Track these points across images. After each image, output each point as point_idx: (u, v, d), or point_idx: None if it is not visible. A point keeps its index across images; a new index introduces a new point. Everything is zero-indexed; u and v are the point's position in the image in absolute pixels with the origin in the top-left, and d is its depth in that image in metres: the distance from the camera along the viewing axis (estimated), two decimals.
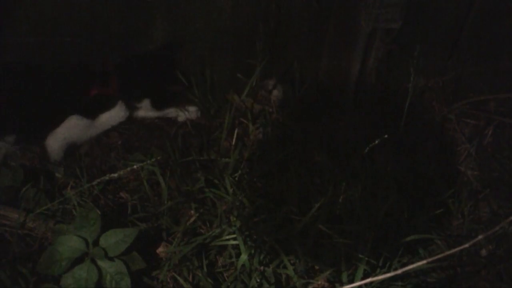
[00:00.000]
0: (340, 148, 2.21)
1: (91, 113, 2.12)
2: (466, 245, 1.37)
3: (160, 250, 1.88)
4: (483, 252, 2.01)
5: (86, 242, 1.69)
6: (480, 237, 1.34)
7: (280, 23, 2.28)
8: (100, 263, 1.67)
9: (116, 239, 1.70)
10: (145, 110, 2.26)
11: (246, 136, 2.23)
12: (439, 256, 1.54)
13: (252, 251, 1.81)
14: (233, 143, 2.12)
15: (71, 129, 2.09)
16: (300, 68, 2.40)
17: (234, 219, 1.86)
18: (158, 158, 1.95)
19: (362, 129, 2.30)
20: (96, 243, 1.69)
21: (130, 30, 2.19)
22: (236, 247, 1.85)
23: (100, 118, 2.14)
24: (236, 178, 2.01)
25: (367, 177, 1.99)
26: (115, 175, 1.73)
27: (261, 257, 1.83)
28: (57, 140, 2.09)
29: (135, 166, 1.79)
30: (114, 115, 2.17)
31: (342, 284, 1.79)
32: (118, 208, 2.00)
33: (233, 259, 1.85)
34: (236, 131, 2.16)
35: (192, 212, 1.97)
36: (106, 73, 2.12)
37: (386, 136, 1.75)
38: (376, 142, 1.76)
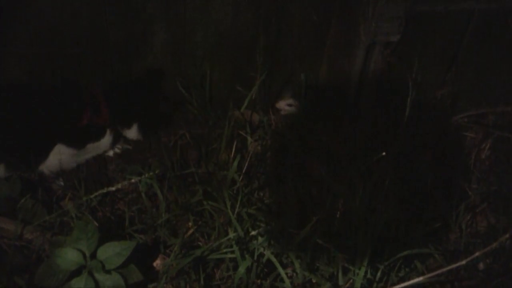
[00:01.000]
0: (339, 160, 2.21)
1: (80, 142, 2.10)
2: (463, 262, 1.37)
3: (157, 262, 1.88)
4: (481, 266, 2.01)
5: (84, 254, 1.69)
6: (476, 254, 1.34)
7: (280, 36, 2.29)
8: (97, 276, 1.67)
9: (113, 252, 1.70)
10: (132, 134, 2.24)
11: (245, 148, 2.23)
12: (436, 272, 1.55)
13: (250, 264, 1.81)
14: (232, 155, 2.12)
15: (61, 156, 2.06)
16: (299, 80, 2.41)
17: (232, 232, 1.87)
18: (156, 172, 1.96)
19: (361, 141, 2.30)
20: (93, 255, 1.69)
21: (129, 40, 2.20)
22: (233, 260, 1.85)
23: (87, 147, 2.12)
24: (234, 191, 2.01)
25: (365, 190, 1.99)
26: (113, 188, 1.73)
27: (259, 270, 1.83)
28: (50, 169, 2.08)
29: (132, 180, 1.80)
30: (101, 145, 2.16)
31: None
32: (116, 220, 2.00)
33: (231, 272, 1.85)
34: (234, 144, 2.16)
35: (190, 224, 1.97)
36: (97, 101, 2.09)
37: (384, 153, 1.75)
38: (374, 159, 1.77)
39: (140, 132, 2.22)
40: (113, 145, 2.20)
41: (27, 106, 1.99)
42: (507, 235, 1.67)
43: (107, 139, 2.14)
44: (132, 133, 2.21)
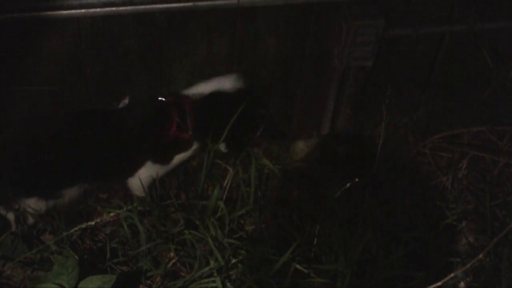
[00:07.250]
0: (317, 187, 2.23)
1: (166, 154, 2.11)
2: (439, 283, 1.39)
3: None
4: (461, 285, 2.03)
5: None
6: (452, 274, 1.36)
7: (255, 66, 2.31)
8: None
9: (94, 286, 1.69)
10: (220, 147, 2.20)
11: (224, 177, 2.24)
12: None
13: None
14: (211, 184, 2.14)
15: (149, 170, 2.10)
16: (275, 111, 2.44)
17: (213, 261, 1.87)
18: (135, 204, 1.97)
19: (338, 166, 2.33)
20: None
21: (108, 81, 2.20)
22: None
23: (173, 160, 2.13)
24: (215, 220, 2.02)
25: (343, 215, 2.01)
26: (92, 223, 1.74)
27: None
28: (139, 180, 2.09)
29: (111, 213, 1.81)
30: (187, 155, 2.15)
31: None
32: (97, 253, 1.99)
33: None
34: (214, 173, 2.18)
35: (172, 254, 1.97)
36: (184, 114, 2.04)
37: (356, 179, 1.78)
38: (347, 185, 1.79)
39: (226, 146, 2.19)
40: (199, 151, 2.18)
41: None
42: (481, 255, 1.69)
43: (193, 149, 2.14)
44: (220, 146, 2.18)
